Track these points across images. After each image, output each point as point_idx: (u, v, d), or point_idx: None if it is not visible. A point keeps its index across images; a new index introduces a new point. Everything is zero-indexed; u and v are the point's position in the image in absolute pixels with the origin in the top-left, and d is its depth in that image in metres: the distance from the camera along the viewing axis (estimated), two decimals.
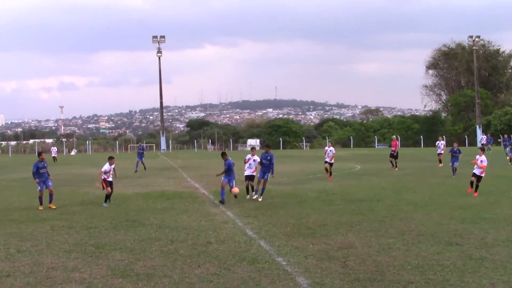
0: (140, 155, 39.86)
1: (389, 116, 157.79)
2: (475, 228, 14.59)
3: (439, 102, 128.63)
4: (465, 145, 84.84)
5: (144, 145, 52.96)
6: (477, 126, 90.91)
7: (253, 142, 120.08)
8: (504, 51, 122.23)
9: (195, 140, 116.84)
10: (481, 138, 64.62)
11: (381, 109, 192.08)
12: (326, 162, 30.68)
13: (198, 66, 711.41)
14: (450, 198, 20.79)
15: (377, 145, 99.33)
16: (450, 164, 30.41)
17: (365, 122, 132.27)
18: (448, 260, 11.16)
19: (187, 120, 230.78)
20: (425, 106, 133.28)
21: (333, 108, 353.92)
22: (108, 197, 20.63)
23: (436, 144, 39.49)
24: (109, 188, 20.62)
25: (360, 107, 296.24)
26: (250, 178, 21.76)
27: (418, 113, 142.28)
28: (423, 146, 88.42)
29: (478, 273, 10.15)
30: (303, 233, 14.29)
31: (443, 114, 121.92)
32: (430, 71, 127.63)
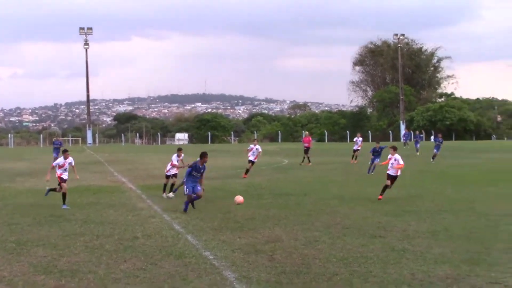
0: (56, 151, 38.68)
1: (316, 111, 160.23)
2: (397, 221, 15.03)
3: (365, 98, 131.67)
4: (389, 140, 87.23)
5: (61, 139, 51.58)
6: (401, 122, 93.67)
7: (182, 136, 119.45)
8: (426, 50, 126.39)
9: (122, 134, 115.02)
10: (405, 133, 65.37)
11: (309, 104, 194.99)
12: (250, 161, 28.04)
13: (126, 59, 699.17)
14: (374, 192, 21.29)
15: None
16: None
17: (293, 117, 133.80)
18: (372, 252, 11.46)
19: (115, 114, 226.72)
20: (351, 101, 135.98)
21: (262, 103, 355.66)
22: (64, 196, 18.01)
23: (354, 140, 40.13)
24: (64, 184, 18.03)
25: (288, 102, 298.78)
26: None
27: (345, 109, 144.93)
28: (350, 141, 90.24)
29: (400, 264, 10.47)
30: (230, 227, 14.33)
31: (369, 110, 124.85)
32: (357, 68, 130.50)
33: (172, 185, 20.58)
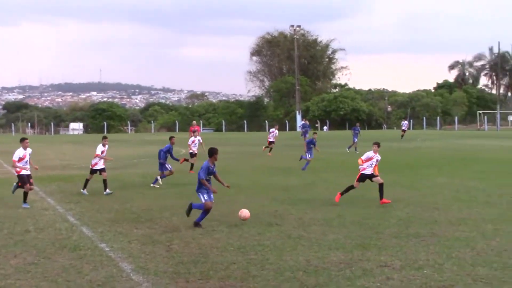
0: None
1: (214, 101, 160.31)
2: (294, 209, 15.37)
3: (262, 88, 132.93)
4: (286, 130, 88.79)
5: None
6: (297, 112, 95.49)
7: (76, 126, 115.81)
8: (321, 41, 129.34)
9: (12, 124, 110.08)
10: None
11: (206, 93, 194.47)
12: (191, 154, 27.18)
13: (16, 45, 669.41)
14: (272, 181, 21.67)
15: (203, 129, 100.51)
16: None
17: (190, 106, 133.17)
18: (269, 240, 11.66)
19: (4, 103, 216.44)
20: (249, 91, 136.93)
21: (159, 92, 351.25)
22: (26, 194, 16.21)
23: (270, 131, 39.37)
24: (28, 185, 16.10)
25: (186, 91, 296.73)
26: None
27: (242, 98, 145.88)
28: (247, 131, 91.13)
29: (296, 251, 10.73)
30: (127, 218, 14.14)
31: (266, 100, 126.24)
32: (254, 58, 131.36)
33: (105, 181, 18.72)
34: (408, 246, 11.06)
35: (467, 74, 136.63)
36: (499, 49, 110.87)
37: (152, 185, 20.45)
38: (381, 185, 16.02)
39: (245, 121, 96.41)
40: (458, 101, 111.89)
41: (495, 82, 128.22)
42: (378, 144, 16.59)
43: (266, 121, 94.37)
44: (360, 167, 16.40)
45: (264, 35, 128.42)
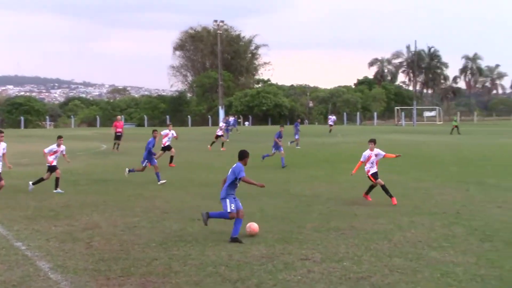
0: None
1: (136, 95, 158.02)
2: (216, 204, 15.30)
3: (185, 83, 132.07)
4: (209, 125, 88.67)
5: None
6: (220, 107, 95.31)
7: None
8: (244, 37, 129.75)
9: None
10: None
11: (128, 88, 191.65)
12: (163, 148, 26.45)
13: None
14: (194, 176, 21.60)
15: (124, 125, 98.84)
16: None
17: (112, 101, 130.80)
18: (191, 235, 11.63)
19: None
20: (171, 86, 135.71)
21: (79, 87, 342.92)
22: None
23: (220, 125, 39.00)
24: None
25: (107, 86, 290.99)
26: None
27: (165, 93, 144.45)
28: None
29: (218, 246, 10.75)
30: (45, 216, 13.74)
31: (189, 95, 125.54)
32: (177, 53, 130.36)
33: (57, 179, 17.94)
34: (329, 239, 11.28)
35: (385, 71, 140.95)
36: (415, 47, 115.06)
37: (159, 183, 19.69)
38: (372, 187, 15.79)
39: (167, 116, 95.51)
40: (377, 97, 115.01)
41: (412, 79, 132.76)
42: (374, 141, 16.02)
43: (189, 116, 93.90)
44: (365, 169, 15.76)
45: (188, 30, 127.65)
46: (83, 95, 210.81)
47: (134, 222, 12.99)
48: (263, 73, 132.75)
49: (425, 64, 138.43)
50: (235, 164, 12.02)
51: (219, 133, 36.58)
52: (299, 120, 43.68)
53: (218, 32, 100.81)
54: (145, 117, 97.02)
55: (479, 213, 14.04)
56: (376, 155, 15.74)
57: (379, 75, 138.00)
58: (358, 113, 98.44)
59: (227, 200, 11.61)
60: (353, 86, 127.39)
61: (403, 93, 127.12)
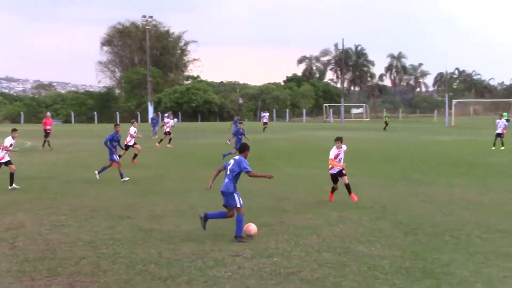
0: None
1: (62, 91, 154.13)
2: (146, 201, 15.21)
3: (113, 78, 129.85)
4: (138, 122, 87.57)
5: None
6: (149, 103, 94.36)
7: None
8: (174, 33, 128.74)
9: None
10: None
11: (54, 84, 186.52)
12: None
13: None
14: (125, 174, 21.25)
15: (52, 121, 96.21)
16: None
17: (37, 97, 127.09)
18: (120, 233, 11.46)
19: None
20: (99, 82, 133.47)
21: (2, 82, 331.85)
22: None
23: (165, 121, 38.45)
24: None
25: (32, 81, 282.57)
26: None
27: (92, 89, 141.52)
28: (97, 122, 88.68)
29: (148, 243, 10.63)
30: None
31: (117, 91, 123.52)
32: (105, 48, 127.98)
33: (12, 174, 17.69)
34: (259, 235, 11.33)
35: (314, 68, 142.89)
36: (343, 45, 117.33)
37: (122, 180, 19.44)
38: (347, 185, 15.22)
39: (95, 113, 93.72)
40: (306, 94, 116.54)
41: (339, 76, 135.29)
42: (340, 140, 15.52)
43: (117, 113, 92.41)
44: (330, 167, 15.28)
45: (116, 25, 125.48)
46: (6, 91, 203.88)
47: (61, 220, 12.68)
48: (192, 70, 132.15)
49: (353, 62, 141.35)
50: (237, 157, 11.72)
51: (167, 129, 36.31)
52: (238, 117, 43.74)
53: (147, 27, 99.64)
54: (72, 113, 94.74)
55: (403, 208, 14.46)
56: (344, 152, 15.39)
57: (308, 73, 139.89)
58: (287, 110, 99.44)
59: (235, 195, 11.26)
60: (282, 83, 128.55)
61: (331, 90, 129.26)
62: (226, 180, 11.41)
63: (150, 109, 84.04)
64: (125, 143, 24.54)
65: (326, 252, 10.06)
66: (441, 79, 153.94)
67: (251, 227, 11.24)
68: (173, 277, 8.69)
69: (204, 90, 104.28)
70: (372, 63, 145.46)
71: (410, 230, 11.88)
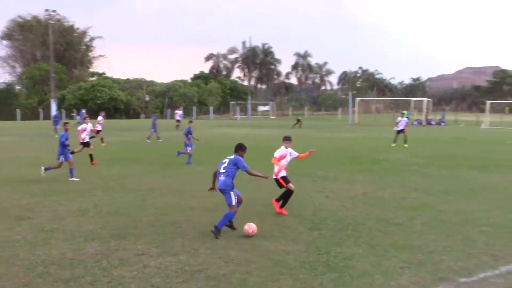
0: None
1: None
2: (47, 201, 14.72)
3: (14, 74, 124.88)
4: (40, 119, 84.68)
5: None
6: (52, 100, 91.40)
7: None
8: (78, 28, 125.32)
9: None
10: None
11: None
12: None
13: None
14: (23, 173, 20.50)
15: None
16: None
17: None
18: (19, 234, 11.03)
19: None
20: None
21: None
22: None
23: (98, 119, 37.07)
24: None
25: None
26: None
27: None
28: None
29: (49, 244, 10.29)
30: None
31: (18, 87, 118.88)
32: (5, 42, 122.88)
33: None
34: (165, 233, 11.24)
35: (221, 66, 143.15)
36: (250, 43, 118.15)
37: (70, 179, 18.60)
38: (287, 194, 13.55)
39: None
40: (213, 92, 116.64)
41: (246, 74, 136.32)
42: (289, 139, 14.18)
43: (18, 110, 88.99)
44: (276, 168, 13.74)
45: (16, 18, 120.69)
46: None
47: None
48: (98, 66, 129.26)
49: (260, 60, 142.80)
50: (232, 156, 11.72)
51: (98, 127, 35.22)
52: (156, 114, 43.26)
53: (50, 22, 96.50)
54: None
55: (308, 203, 14.74)
56: (290, 154, 14.02)
57: (215, 70, 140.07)
58: (194, 107, 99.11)
59: (232, 193, 11.39)
60: (190, 81, 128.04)
61: (239, 88, 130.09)
62: (223, 177, 11.45)
63: (53, 106, 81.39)
64: (81, 140, 24.16)
65: (232, 249, 10.10)
66: (345, 78, 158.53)
67: (252, 229, 11.16)
68: (76, 278, 8.45)
69: (110, 87, 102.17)
70: (279, 61, 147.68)
71: (315, 225, 12.13)
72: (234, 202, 11.36)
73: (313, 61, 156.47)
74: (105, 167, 22.18)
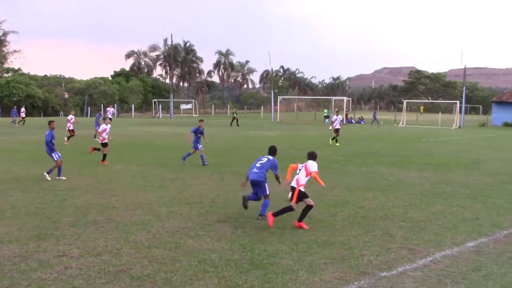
0: None
1: None
2: None
3: None
4: None
5: None
6: None
7: None
8: None
9: None
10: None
11: None
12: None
13: None
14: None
15: None
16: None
17: None
18: None
19: None
20: None
21: None
22: None
23: (68, 118, 35.48)
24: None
25: None
26: None
27: None
28: None
29: None
30: None
31: None
32: None
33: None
34: (86, 233, 11.02)
35: (142, 63, 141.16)
36: (171, 41, 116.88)
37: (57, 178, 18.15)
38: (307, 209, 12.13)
39: None
40: (134, 89, 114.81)
41: (168, 72, 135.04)
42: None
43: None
44: (303, 180, 12.19)
45: None
46: None
47: None
48: (13, 62, 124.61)
49: (181, 58, 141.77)
50: (271, 157, 13.21)
51: (70, 127, 34.42)
52: (100, 112, 42.18)
53: None
54: None
55: (232, 201, 14.79)
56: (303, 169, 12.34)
57: (136, 68, 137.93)
58: (115, 105, 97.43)
59: (266, 185, 12.83)
60: (110, 78, 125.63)
61: (160, 86, 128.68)
62: (256, 171, 12.77)
63: None
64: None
65: (157, 248, 10.02)
66: (267, 77, 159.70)
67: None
68: None
69: (26, 83, 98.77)
70: (201, 60, 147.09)
71: (239, 223, 12.20)
72: (268, 192, 12.74)
73: (235, 59, 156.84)
74: (22, 167, 21.48)
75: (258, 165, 12.91)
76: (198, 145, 23.28)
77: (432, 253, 10.14)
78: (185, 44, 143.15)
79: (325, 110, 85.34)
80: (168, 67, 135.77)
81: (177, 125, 59.52)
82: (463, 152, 31.50)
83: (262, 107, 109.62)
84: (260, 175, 12.67)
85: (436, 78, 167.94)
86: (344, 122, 74.93)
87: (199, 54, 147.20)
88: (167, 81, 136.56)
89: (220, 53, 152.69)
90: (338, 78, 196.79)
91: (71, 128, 34.51)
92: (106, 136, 23.92)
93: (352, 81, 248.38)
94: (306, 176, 12.18)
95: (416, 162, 25.30)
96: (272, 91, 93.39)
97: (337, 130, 35.71)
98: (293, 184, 12.22)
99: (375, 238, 11.15)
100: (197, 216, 12.87)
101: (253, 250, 10.02)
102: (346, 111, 79.77)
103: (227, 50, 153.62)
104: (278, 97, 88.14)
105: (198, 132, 23.47)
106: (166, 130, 49.41)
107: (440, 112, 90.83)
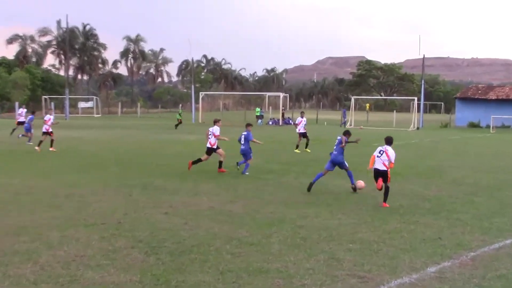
0: None
1: None
2: None
3: None
4: None
5: None
6: None
7: None
8: None
9: None
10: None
11: None
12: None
13: None
14: None
15: None
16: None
17: None
18: None
19: None
20: None
21: None
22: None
23: (45, 118, 35.19)
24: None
25: None
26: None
27: None
28: None
29: None
30: None
31: None
32: None
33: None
34: None
35: (30, 51, 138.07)
36: (67, 23, 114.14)
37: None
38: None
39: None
40: (19, 83, 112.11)
41: (63, 62, 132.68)
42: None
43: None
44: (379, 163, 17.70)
45: None
46: None
47: None
48: None
49: (80, 44, 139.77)
50: (339, 137, 20.32)
51: (49, 129, 34.30)
52: (35, 113, 41.87)
53: None
54: None
55: (143, 222, 14.58)
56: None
57: (22, 56, 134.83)
58: None
59: (344, 161, 20.18)
60: None
61: (53, 79, 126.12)
62: (335, 152, 19.98)
63: None
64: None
65: (45, 284, 9.73)
66: (187, 68, 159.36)
67: (360, 183, 19.82)
68: None
69: None
70: (104, 47, 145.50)
71: (151, 248, 12.01)
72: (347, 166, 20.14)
73: (147, 47, 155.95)
74: None
75: (335, 146, 19.89)
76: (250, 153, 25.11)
77: (387, 281, 10.24)
78: (84, 27, 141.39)
79: (258, 109, 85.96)
80: (62, 56, 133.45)
81: (75, 128, 58.51)
82: (422, 158, 32.30)
83: (181, 105, 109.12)
84: (338, 155, 19.95)
85: (389, 69, 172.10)
86: (280, 123, 75.59)
87: (102, 40, 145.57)
88: (62, 73, 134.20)
89: (128, 38, 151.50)
90: (273, 70, 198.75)
91: (50, 130, 34.49)
92: None
93: (290, 74, 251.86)
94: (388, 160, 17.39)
95: (367, 171, 25.64)
96: (192, 86, 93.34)
97: (302, 135, 35.87)
98: (379, 166, 17.57)
99: (318, 264, 11.18)
100: (99, 241, 12.61)
101: (168, 282, 9.87)
102: (282, 109, 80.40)
103: (137, 35, 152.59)
104: (200, 92, 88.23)
105: (249, 139, 25.27)
106: (60, 134, 48.41)
107: (395, 111, 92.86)
